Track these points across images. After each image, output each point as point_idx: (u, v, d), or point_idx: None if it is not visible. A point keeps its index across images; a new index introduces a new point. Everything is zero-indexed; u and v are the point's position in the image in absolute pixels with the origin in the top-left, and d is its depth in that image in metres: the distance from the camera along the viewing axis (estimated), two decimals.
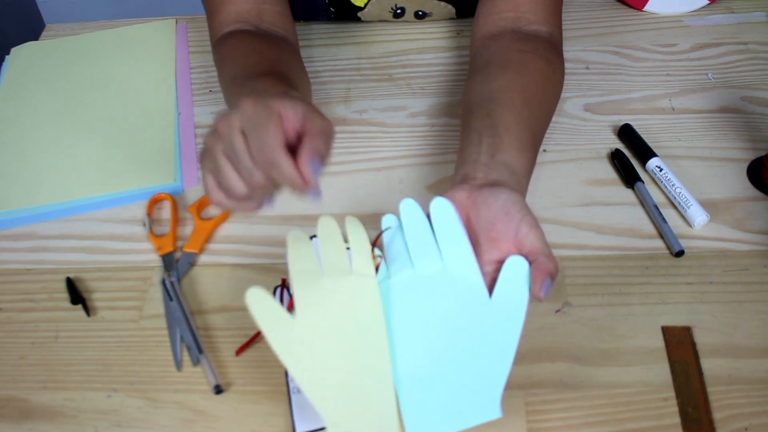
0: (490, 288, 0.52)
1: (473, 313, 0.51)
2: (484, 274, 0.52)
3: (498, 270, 0.52)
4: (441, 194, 0.54)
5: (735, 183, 0.71)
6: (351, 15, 0.90)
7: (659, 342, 0.59)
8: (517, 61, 0.66)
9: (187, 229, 0.71)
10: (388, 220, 0.56)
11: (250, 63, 0.65)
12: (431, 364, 0.51)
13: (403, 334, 0.52)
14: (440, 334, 0.52)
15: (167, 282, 0.65)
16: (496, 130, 0.59)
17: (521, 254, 0.51)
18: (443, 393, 0.50)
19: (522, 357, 0.58)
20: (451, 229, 0.53)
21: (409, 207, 0.55)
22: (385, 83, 0.84)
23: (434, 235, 0.54)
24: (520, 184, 0.57)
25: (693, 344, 0.59)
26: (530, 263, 0.51)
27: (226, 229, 0.71)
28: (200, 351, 0.60)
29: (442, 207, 0.54)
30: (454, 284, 0.53)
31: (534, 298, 0.50)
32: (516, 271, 0.51)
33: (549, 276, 0.50)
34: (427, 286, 0.53)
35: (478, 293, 0.52)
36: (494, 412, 0.48)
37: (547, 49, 0.68)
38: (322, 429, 0.54)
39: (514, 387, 0.56)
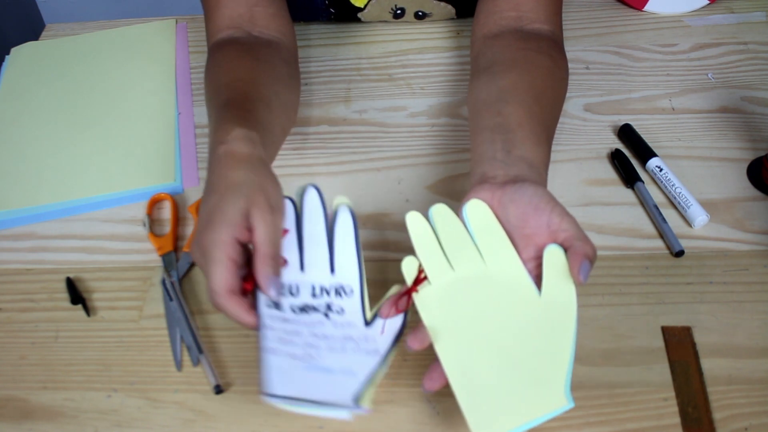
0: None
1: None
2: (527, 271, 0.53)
3: (539, 266, 0.52)
4: (465, 196, 0.55)
5: (735, 183, 0.71)
6: (351, 16, 0.90)
7: (659, 342, 0.59)
8: (523, 59, 0.66)
9: (187, 229, 0.71)
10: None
11: (225, 89, 0.64)
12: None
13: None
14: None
15: (167, 282, 0.65)
16: (509, 127, 0.59)
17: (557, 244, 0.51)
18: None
19: None
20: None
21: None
22: (385, 83, 0.84)
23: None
24: (541, 177, 0.56)
25: (693, 344, 0.59)
26: (566, 250, 0.51)
27: None
28: (200, 351, 0.60)
29: (477, 208, 0.54)
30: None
31: (575, 282, 0.50)
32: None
33: (586, 258, 0.50)
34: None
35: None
36: (561, 401, 0.48)
37: (551, 47, 0.68)
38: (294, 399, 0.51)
39: None
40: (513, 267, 0.53)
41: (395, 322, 0.54)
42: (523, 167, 0.56)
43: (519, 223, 0.53)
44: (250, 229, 0.52)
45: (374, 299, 0.56)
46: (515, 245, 0.53)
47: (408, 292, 0.53)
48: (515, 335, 0.51)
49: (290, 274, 0.56)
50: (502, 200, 0.53)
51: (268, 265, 0.51)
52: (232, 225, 0.51)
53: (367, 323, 0.55)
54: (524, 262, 0.53)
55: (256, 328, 0.52)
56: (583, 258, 0.50)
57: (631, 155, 0.74)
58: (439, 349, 0.51)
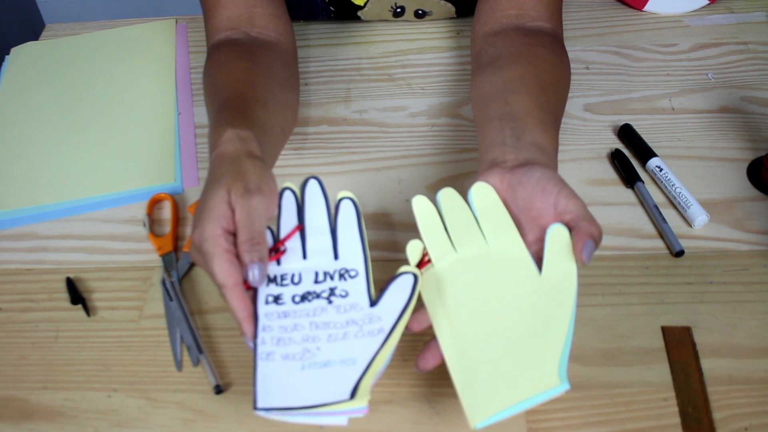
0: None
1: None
2: (531, 253, 0.52)
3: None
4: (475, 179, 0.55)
5: (735, 183, 0.71)
6: (351, 14, 0.90)
7: (659, 342, 0.59)
8: (527, 53, 0.66)
9: (188, 229, 0.71)
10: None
11: (222, 91, 0.65)
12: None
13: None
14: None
15: (167, 282, 0.65)
16: (518, 115, 0.59)
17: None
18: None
19: None
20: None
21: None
22: (385, 83, 0.84)
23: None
24: (552, 161, 0.56)
25: (693, 344, 0.59)
26: (571, 230, 0.51)
27: None
28: (200, 351, 0.61)
29: (482, 190, 0.54)
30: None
31: (578, 262, 0.50)
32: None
33: (590, 238, 0.50)
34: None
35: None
36: (554, 381, 0.47)
37: (553, 43, 0.69)
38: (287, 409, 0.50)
39: None
40: (515, 248, 0.53)
41: (401, 297, 0.54)
42: (534, 151, 0.56)
43: (526, 205, 0.53)
44: None
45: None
46: (522, 227, 0.53)
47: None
48: (514, 315, 0.51)
49: (293, 263, 0.56)
50: (511, 183, 0.54)
51: (244, 250, 0.51)
52: (218, 217, 0.51)
53: (372, 303, 0.54)
54: (530, 243, 0.53)
55: (252, 337, 0.52)
56: (588, 237, 0.50)
57: (631, 155, 0.74)
58: (437, 329, 0.51)
